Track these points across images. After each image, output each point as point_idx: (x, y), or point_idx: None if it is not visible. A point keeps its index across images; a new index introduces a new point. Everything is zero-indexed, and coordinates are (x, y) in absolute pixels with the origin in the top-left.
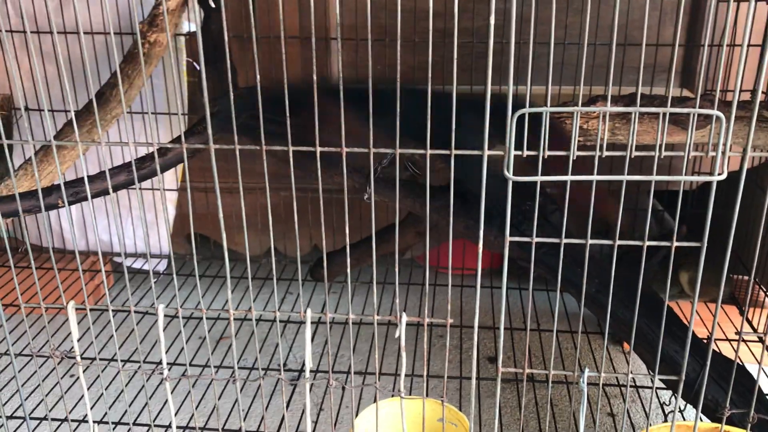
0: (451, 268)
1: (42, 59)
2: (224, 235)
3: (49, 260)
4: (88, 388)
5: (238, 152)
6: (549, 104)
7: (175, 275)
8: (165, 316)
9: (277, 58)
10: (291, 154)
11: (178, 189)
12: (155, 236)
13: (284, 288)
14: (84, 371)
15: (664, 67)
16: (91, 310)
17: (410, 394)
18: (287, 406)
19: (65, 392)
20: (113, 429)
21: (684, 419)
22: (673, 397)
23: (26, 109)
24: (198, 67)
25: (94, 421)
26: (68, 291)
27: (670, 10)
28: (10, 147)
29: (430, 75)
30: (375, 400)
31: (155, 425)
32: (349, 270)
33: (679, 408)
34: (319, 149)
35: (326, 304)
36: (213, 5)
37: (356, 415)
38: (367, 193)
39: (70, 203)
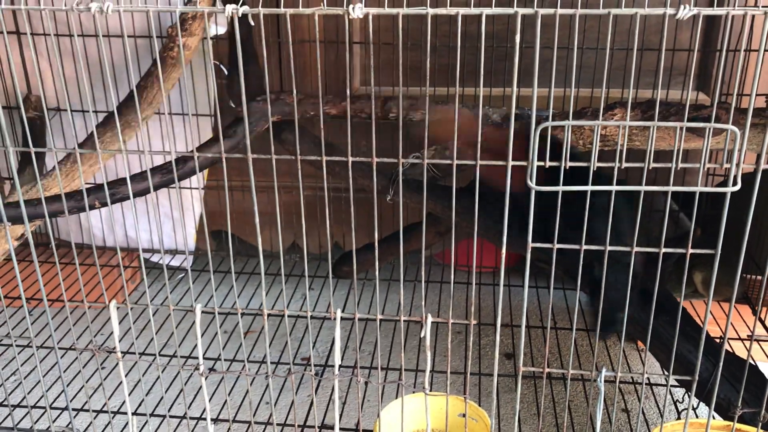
0: (466, 266)
1: (73, 61)
2: (259, 238)
3: (76, 257)
4: (120, 382)
5: (274, 161)
6: (571, 116)
7: (212, 273)
8: (186, 311)
9: (301, 62)
10: (324, 164)
11: (204, 188)
12: (182, 233)
13: (306, 285)
14: (116, 366)
15: (680, 70)
16: (131, 308)
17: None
18: (313, 400)
19: (99, 385)
20: (146, 420)
21: (697, 417)
22: (686, 395)
23: (57, 109)
24: (225, 70)
25: (132, 413)
26: (98, 288)
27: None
28: (42, 147)
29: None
30: (396, 396)
31: (190, 418)
32: (377, 268)
33: (692, 406)
34: (351, 159)
35: (346, 302)
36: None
37: (380, 409)
38: (389, 194)
39: (111, 203)
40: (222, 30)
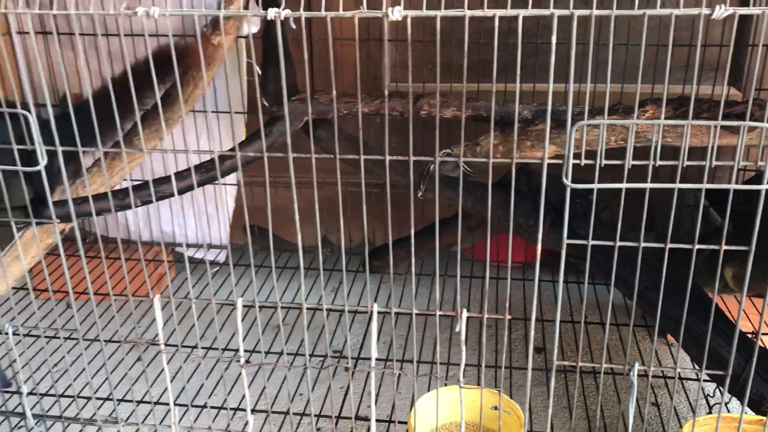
0: (495, 261)
1: (110, 60)
2: (299, 235)
3: (122, 252)
4: (162, 370)
5: (314, 160)
6: (606, 115)
7: (253, 268)
8: (225, 305)
9: (334, 60)
10: (362, 163)
11: (237, 183)
12: (216, 228)
13: (337, 278)
14: (155, 357)
15: (710, 65)
16: (175, 302)
17: (455, 383)
18: (347, 392)
19: (141, 373)
20: (185, 411)
21: (728, 411)
22: (718, 390)
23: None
24: (258, 70)
25: (175, 404)
26: (134, 281)
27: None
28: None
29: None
30: (429, 389)
31: (230, 408)
32: (413, 263)
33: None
34: (388, 158)
35: (377, 296)
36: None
37: (412, 403)
38: (420, 190)
39: (155, 201)
40: (255, 29)
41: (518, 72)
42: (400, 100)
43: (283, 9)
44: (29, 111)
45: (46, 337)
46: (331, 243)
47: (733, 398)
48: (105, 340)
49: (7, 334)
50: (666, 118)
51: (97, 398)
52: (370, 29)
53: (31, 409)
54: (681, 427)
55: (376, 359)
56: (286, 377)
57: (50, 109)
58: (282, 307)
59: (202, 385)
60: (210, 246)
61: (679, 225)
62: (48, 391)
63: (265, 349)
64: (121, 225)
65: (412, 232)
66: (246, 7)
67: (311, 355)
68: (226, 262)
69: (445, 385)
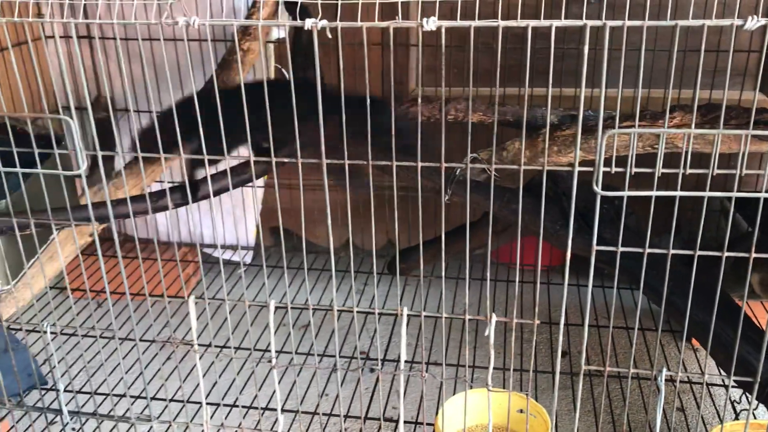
0: (520, 263)
1: (142, 64)
2: (331, 237)
3: (131, 251)
4: (193, 368)
5: (347, 165)
6: (637, 121)
7: (286, 269)
8: (252, 306)
9: (359, 65)
10: (394, 168)
11: (264, 186)
12: (243, 230)
13: (359, 280)
14: (185, 356)
15: (738, 71)
16: (209, 301)
17: (480, 385)
18: (373, 393)
19: (172, 371)
20: (215, 409)
21: (755, 417)
22: (745, 396)
23: (125, 110)
24: (286, 73)
25: (207, 403)
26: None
27: (746, 13)
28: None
29: None
30: (454, 392)
31: (261, 408)
32: (444, 266)
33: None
34: (420, 164)
35: (401, 299)
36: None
37: (437, 405)
38: (447, 194)
39: (192, 202)
40: (283, 33)
41: (550, 78)
42: (426, 105)
43: (320, 19)
44: (71, 116)
45: (81, 336)
46: (355, 245)
47: (761, 405)
48: (140, 339)
49: (45, 332)
50: (694, 125)
51: (131, 396)
52: (390, 35)
53: (66, 405)
54: None
55: (406, 361)
56: (314, 377)
57: (91, 113)
58: (314, 309)
59: (232, 383)
60: (238, 248)
61: (704, 230)
62: (82, 388)
63: (290, 351)
64: (151, 225)
65: (443, 235)
66: (275, 13)
67: (336, 357)
68: (252, 263)
69: (471, 387)
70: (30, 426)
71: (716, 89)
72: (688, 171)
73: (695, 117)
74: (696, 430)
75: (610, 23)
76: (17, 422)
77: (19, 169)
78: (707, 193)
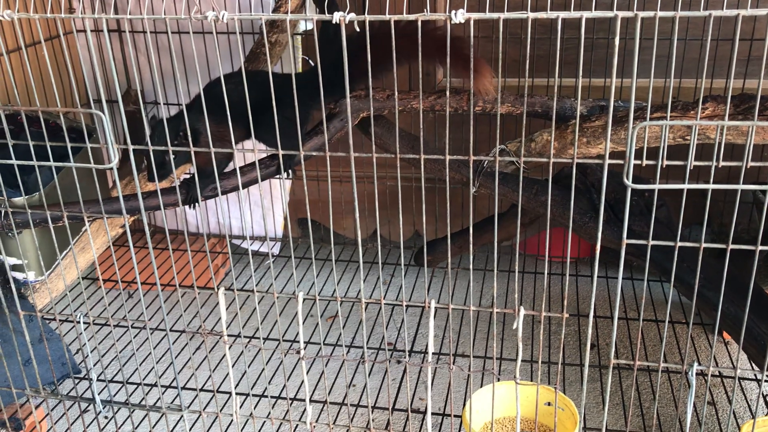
0: (549, 255)
1: (171, 57)
2: (359, 230)
3: (161, 241)
4: (222, 358)
5: (374, 159)
6: (669, 113)
7: (314, 261)
8: (280, 296)
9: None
10: (422, 162)
11: (292, 178)
12: (271, 221)
13: (389, 272)
14: (214, 346)
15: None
16: (238, 292)
17: (506, 378)
18: (400, 384)
19: (202, 361)
20: (244, 399)
21: None
22: None
23: (155, 103)
24: (313, 64)
25: (237, 393)
26: (189, 272)
27: None
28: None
29: None
30: (482, 384)
31: (290, 399)
32: (471, 258)
33: None
34: (448, 157)
35: (428, 290)
36: (326, 12)
37: (464, 397)
38: (475, 186)
39: (222, 194)
40: (310, 26)
41: (580, 68)
42: (454, 96)
43: (348, 13)
44: (102, 110)
45: (113, 326)
46: (382, 237)
47: None
48: (170, 330)
49: (78, 322)
50: (728, 116)
51: (162, 385)
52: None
53: (99, 394)
54: (739, 427)
55: (433, 353)
56: (342, 368)
57: (122, 106)
58: (342, 301)
59: (261, 374)
60: (266, 239)
61: (736, 222)
62: (114, 377)
63: (319, 341)
64: (180, 217)
65: (471, 227)
66: (303, 5)
67: (363, 348)
68: (280, 254)
69: (498, 380)
70: (64, 414)
71: (750, 78)
72: (722, 164)
73: (728, 108)
74: (727, 424)
75: (642, 14)
76: (51, 410)
77: (52, 163)
78: (741, 186)
